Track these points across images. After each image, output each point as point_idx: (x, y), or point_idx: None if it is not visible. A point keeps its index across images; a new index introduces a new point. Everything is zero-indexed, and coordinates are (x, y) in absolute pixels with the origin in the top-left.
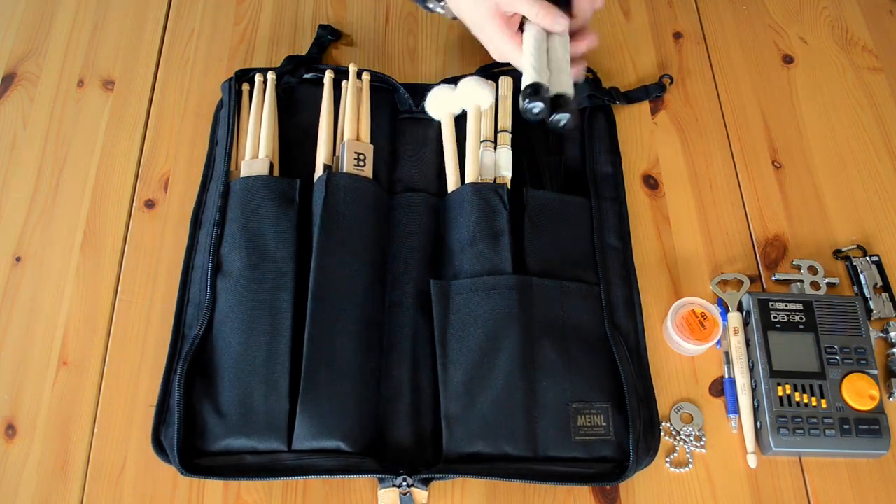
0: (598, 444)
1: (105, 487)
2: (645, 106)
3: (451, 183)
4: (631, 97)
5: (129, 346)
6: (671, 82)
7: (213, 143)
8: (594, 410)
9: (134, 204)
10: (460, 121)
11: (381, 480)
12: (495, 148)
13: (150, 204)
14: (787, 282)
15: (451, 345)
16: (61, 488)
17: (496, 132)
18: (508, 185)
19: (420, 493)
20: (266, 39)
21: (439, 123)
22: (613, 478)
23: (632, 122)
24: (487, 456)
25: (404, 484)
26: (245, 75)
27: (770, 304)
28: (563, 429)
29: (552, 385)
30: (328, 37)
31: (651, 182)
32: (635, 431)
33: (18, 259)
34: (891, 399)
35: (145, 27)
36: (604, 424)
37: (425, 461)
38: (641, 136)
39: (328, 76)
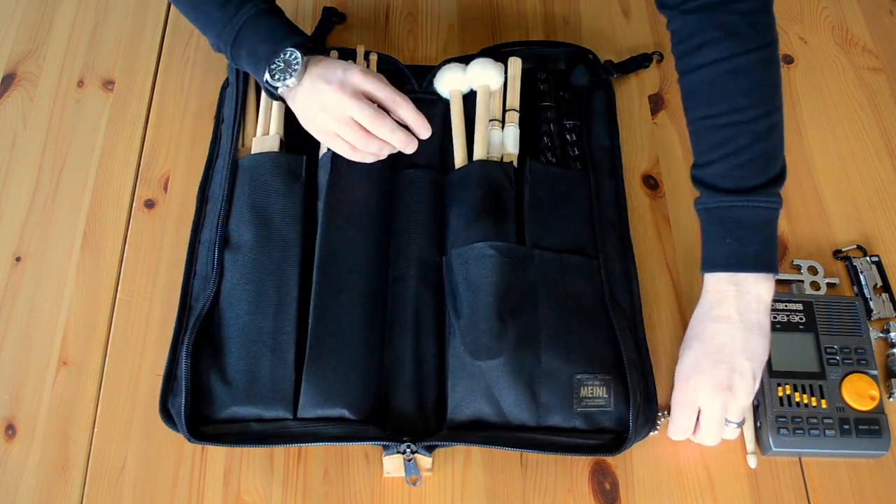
0: (598, 415)
1: (105, 487)
2: (645, 107)
3: (459, 160)
4: (624, 68)
5: (129, 346)
6: (661, 59)
7: (218, 120)
8: (597, 382)
9: (134, 204)
10: (467, 99)
11: (385, 447)
12: (503, 127)
13: (150, 204)
14: (786, 282)
15: (461, 312)
16: (61, 488)
17: (504, 111)
18: (515, 164)
19: (424, 460)
20: None
21: (444, 103)
22: (612, 449)
23: (632, 122)
24: (491, 424)
25: (408, 450)
26: None
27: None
28: (566, 399)
29: (557, 355)
30: (333, 19)
31: (651, 182)
32: (635, 404)
33: (18, 259)
34: (891, 399)
35: (145, 27)
36: (605, 396)
37: (428, 430)
38: (641, 137)
39: (333, 56)
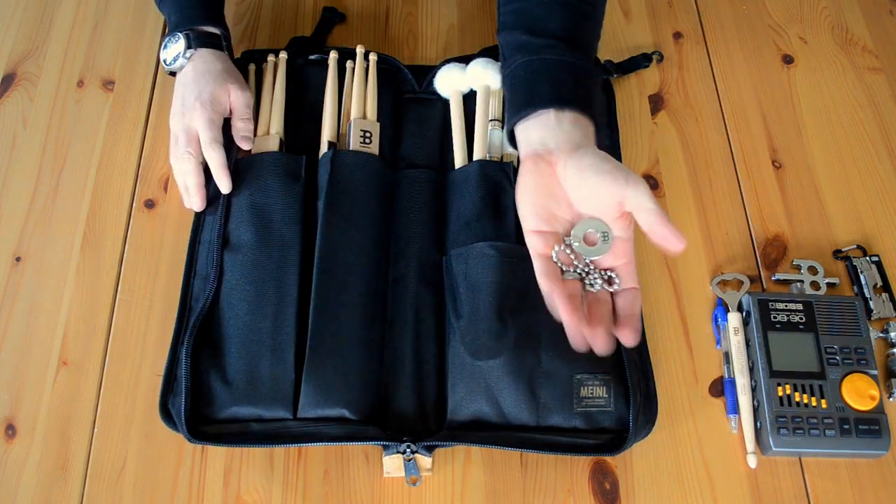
0: (598, 415)
1: (105, 487)
2: (645, 107)
3: (459, 160)
4: (624, 68)
5: (129, 346)
6: (661, 59)
7: None
8: (597, 382)
9: (134, 204)
10: (467, 99)
11: (385, 447)
12: (503, 127)
13: (150, 204)
14: (787, 282)
15: (461, 312)
16: (61, 488)
17: (504, 111)
18: (515, 164)
19: (424, 460)
20: (266, 38)
21: (443, 103)
22: (612, 449)
23: (632, 122)
24: (491, 423)
25: (408, 450)
26: (252, 56)
27: (770, 304)
28: (566, 399)
29: (557, 355)
30: (333, 19)
31: (651, 182)
32: (635, 404)
33: (18, 259)
34: (891, 399)
35: (145, 27)
36: (605, 396)
37: (428, 430)
38: (641, 136)
39: (333, 56)
